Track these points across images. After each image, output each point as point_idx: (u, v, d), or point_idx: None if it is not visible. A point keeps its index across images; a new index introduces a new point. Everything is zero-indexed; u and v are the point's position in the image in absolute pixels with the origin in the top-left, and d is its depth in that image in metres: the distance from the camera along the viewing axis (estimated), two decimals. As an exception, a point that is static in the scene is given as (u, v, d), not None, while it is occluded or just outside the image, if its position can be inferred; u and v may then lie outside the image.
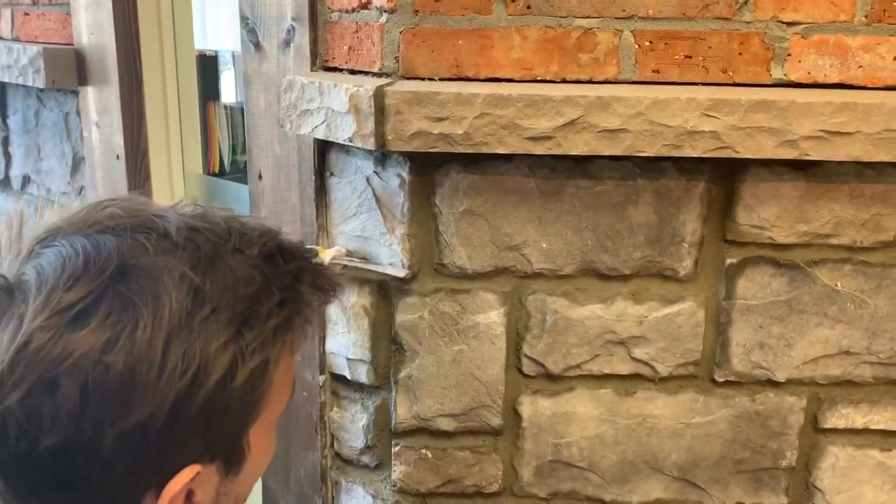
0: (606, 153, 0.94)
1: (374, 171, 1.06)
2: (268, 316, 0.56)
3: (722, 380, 1.11)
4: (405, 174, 1.03)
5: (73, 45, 1.51)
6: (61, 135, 1.63)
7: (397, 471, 1.16)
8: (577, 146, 0.94)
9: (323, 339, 1.19)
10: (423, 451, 1.16)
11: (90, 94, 1.50)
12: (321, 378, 1.21)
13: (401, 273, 1.06)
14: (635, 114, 0.92)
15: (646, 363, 1.11)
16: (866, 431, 1.12)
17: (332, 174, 1.12)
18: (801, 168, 1.01)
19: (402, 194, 1.04)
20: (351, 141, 0.96)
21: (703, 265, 1.07)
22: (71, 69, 1.49)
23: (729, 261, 1.06)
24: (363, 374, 1.16)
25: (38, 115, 1.69)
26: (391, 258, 1.09)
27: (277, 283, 0.57)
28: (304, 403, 1.24)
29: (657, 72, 0.99)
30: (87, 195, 1.60)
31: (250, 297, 0.56)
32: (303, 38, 1.07)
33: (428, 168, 1.03)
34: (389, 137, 0.94)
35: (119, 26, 1.40)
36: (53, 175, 1.70)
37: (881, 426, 1.11)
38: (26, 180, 1.80)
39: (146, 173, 1.48)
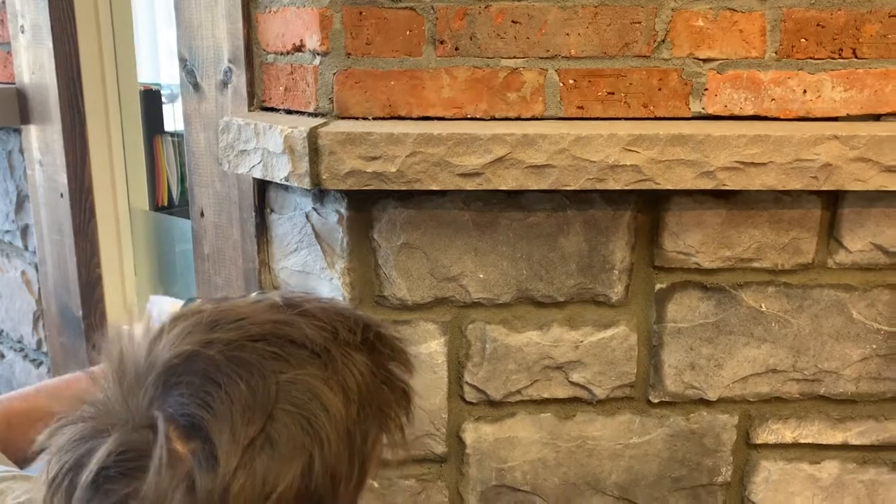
0: (534, 188, 0.98)
1: (313, 208, 1.08)
2: (390, 401, 0.57)
3: (657, 400, 1.15)
4: (343, 210, 1.06)
5: (14, 83, 1.51)
6: (4, 173, 1.63)
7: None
8: (507, 181, 0.98)
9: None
10: (370, 481, 1.17)
11: (32, 132, 1.50)
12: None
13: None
14: (560, 150, 0.96)
15: (583, 387, 1.14)
16: (796, 445, 1.17)
17: (272, 210, 1.14)
18: (722, 196, 1.06)
19: (341, 230, 1.07)
20: (287, 180, 0.99)
21: (634, 291, 1.11)
22: (12, 107, 1.49)
23: (658, 286, 1.10)
24: (309, 407, 1.18)
25: (-20, 154, 1.68)
26: (332, 292, 1.11)
27: (382, 368, 0.58)
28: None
29: (581, 108, 1.03)
30: (32, 233, 1.59)
31: (376, 387, 0.56)
32: (240, 79, 1.09)
33: (365, 203, 1.06)
34: (324, 177, 0.97)
35: (60, 65, 1.40)
36: (-3, 213, 1.69)
37: (809, 440, 1.16)
38: (-29, 218, 1.78)
39: (91, 211, 1.49)
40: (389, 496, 1.18)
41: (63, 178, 1.45)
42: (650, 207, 1.07)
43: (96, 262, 1.52)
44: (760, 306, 1.11)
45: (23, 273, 1.66)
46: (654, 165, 0.97)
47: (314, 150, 0.96)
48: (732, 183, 0.98)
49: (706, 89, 1.04)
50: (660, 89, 1.03)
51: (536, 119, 1.04)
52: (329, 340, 0.55)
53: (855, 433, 1.15)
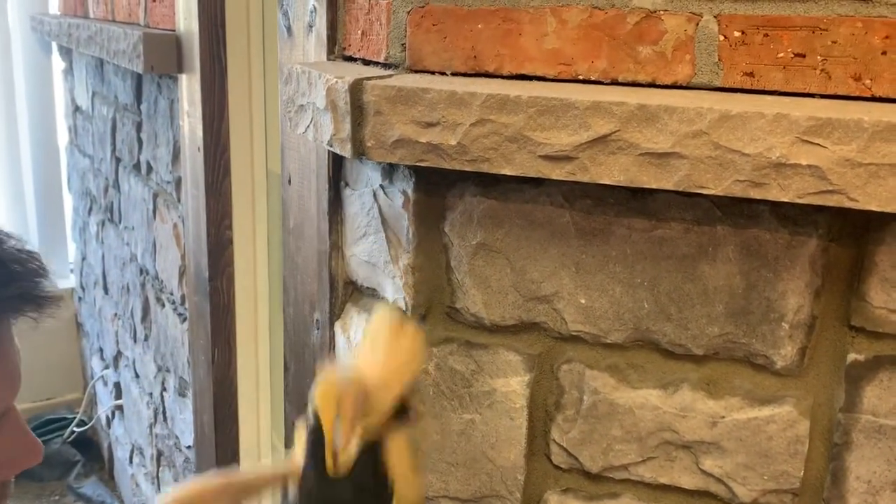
0: (651, 185, 0.66)
1: (381, 185, 0.86)
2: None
3: (832, 523, 0.77)
4: (410, 191, 0.82)
5: (174, 30, 1.47)
6: (166, 122, 1.61)
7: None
8: (610, 173, 0.67)
9: (332, 378, 1.01)
10: (425, 536, 0.93)
11: (183, 82, 1.44)
12: (331, 422, 1.03)
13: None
14: (694, 132, 0.64)
15: (719, 480, 0.80)
16: None
17: (346, 184, 0.94)
18: (979, 232, 0.65)
19: (407, 216, 0.83)
20: (331, 145, 0.77)
21: (814, 357, 0.74)
22: (171, 55, 1.44)
23: (853, 356, 0.73)
24: (367, 428, 0.96)
25: (156, 102, 1.68)
26: (395, 294, 0.88)
27: None
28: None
29: (751, 75, 0.69)
30: (183, 187, 1.55)
31: None
32: (321, 21, 0.89)
33: (438, 186, 0.81)
34: (368, 144, 0.74)
35: (204, 10, 1.32)
36: (162, 163, 1.68)
37: None
38: (149, 167, 1.81)
39: (225, 169, 1.39)
40: (446, 561, 0.93)
41: (200, 132, 1.37)
42: (850, 236, 0.70)
43: (227, 224, 1.43)
44: None
45: (174, 226, 1.64)
46: (849, 170, 0.61)
47: (357, 109, 0.73)
48: None
49: (972, 56, 0.64)
50: (884, 52, 0.65)
51: (680, 87, 0.71)
52: None
53: None
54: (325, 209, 0.95)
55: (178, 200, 1.60)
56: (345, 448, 0.76)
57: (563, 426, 0.84)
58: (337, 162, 0.94)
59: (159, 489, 2.10)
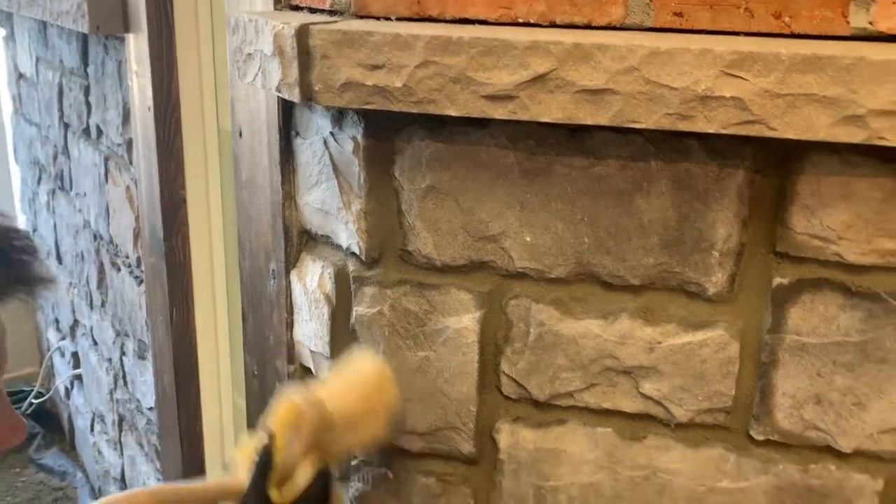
0: (588, 121, 0.70)
1: (331, 133, 0.88)
2: None
3: (761, 438, 0.83)
4: (359, 137, 0.84)
5: (119, -11, 1.45)
6: (114, 84, 1.59)
7: (353, 488, 0.99)
8: (549, 110, 0.71)
9: (290, 324, 1.04)
10: (384, 468, 0.97)
11: (131, 41, 1.43)
12: (290, 368, 1.06)
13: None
14: (626, 69, 0.67)
15: (658, 402, 0.85)
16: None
17: (297, 134, 0.96)
18: (889, 158, 0.70)
19: (357, 162, 0.85)
20: (279, 91, 0.79)
21: (742, 283, 0.79)
22: (116, 14, 1.43)
23: (778, 280, 0.78)
24: (325, 371, 1.00)
25: (103, 64, 1.67)
26: (349, 239, 0.90)
27: None
28: (277, 392, 1.09)
29: (680, 15, 0.73)
30: (135, 148, 1.55)
31: None
32: (267, -30, 0.90)
33: (387, 131, 0.84)
34: (316, 88, 0.76)
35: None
36: (112, 126, 1.67)
37: None
38: (99, 131, 1.79)
39: (176, 128, 1.40)
40: (404, 492, 0.97)
41: (150, 92, 1.37)
42: (775, 167, 0.75)
43: (180, 183, 1.43)
44: (936, 329, 0.74)
45: (127, 189, 1.63)
46: (768, 101, 0.65)
47: (304, 53, 0.75)
48: (894, 136, 0.63)
49: (881, -6, 0.68)
50: (802, -10, 0.69)
51: (613, 28, 0.75)
52: None
53: None
54: (276, 159, 0.97)
55: (130, 163, 1.59)
56: (292, 478, 0.74)
57: (512, 358, 0.88)
58: (287, 112, 0.95)
59: (122, 454, 2.12)
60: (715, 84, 0.66)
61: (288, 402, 0.78)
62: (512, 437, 0.91)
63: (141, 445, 1.92)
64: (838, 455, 0.81)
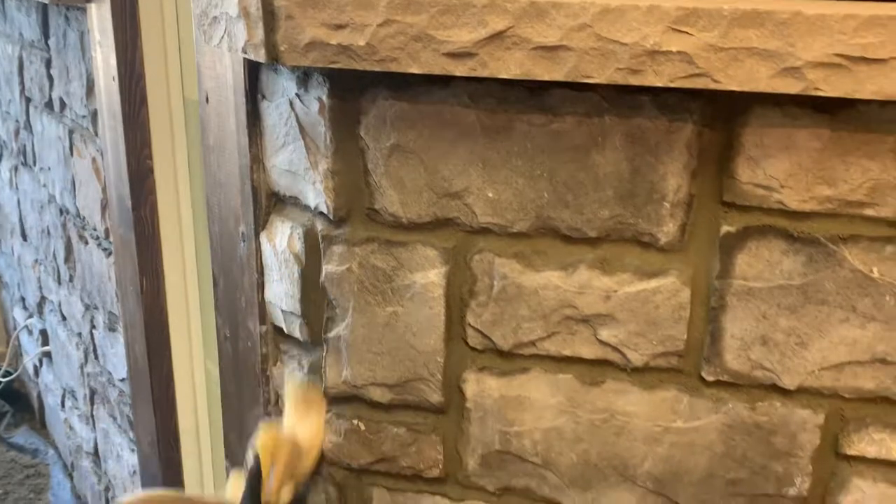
0: (544, 77, 0.73)
1: (297, 94, 0.90)
2: None
3: (712, 378, 0.88)
4: (325, 97, 0.87)
5: (78, -43, 1.45)
6: (77, 55, 1.59)
7: (326, 440, 1.02)
8: (508, 67, 0.74)
9: (261, 286, 1.07)
10: (355, 421, 1.01)
11: (93, 11, 1.43)
12: (262, 328, 1.09)
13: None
14: (579, 25, 0.71)
15: (615, 348, 0.90)
16: (906, 465, 0.86)
17: (263, 97, 0.98)
18: (825, 110, 0.75)
19: (323, 122, 0.88)
20: (245, 52, 0.81)
21: (692, 232, 0.84)
22: (78, -16, 1.42)
23: (726, 228, 0.82)
24: (296, 329, 1.03)
25: (65, 36, 1.66)
26: (317, 199, 0.93)
27: None
28: (249, 354, 1.12)
29: (630, -26, 0.76)
30: (100, 119, 1.55)
31: None
32: (231, -65, 0.92)
33: (352, 91, 0.86)
34: (282, 48, 0.78)
35: (109, -65, 1.31)
36: (75, 98, 1.67)
37: (926, 461, 0.85)
38: (62, 103, 1.78)
39: (142, 98, 1.40)
40: (376, 442, 1.01)
41: (114, 61, 1.37)
42: (722, 121, 0.79)
43: (147, 153, 1.44)
44: (871, 271, 0.80)
45: (93, 160, 1.63)
46: (712, 54, 0.69)
47: (269, 14, 0.77)
48: (829, 87, 0.68)
49: (818, -47, 0.72)
50: (744, -50, 0.73)
51: (568, -11, 0.78)
52: None
53: None
54: (243, 123, 0.99)
55: (96, 134, 1.59)
56: (278, 491, 0.91)
57: (477, 310, 0.92)
58: (253, 75, 0.97)
59: (95, 427, 2.13)
60: (662, 39, 0.69)
61: (267, 432, 0.94)
62: (478, 386, 0.95)
63: (114, 417, 1.94)
64: (783, 392, 0.86)
